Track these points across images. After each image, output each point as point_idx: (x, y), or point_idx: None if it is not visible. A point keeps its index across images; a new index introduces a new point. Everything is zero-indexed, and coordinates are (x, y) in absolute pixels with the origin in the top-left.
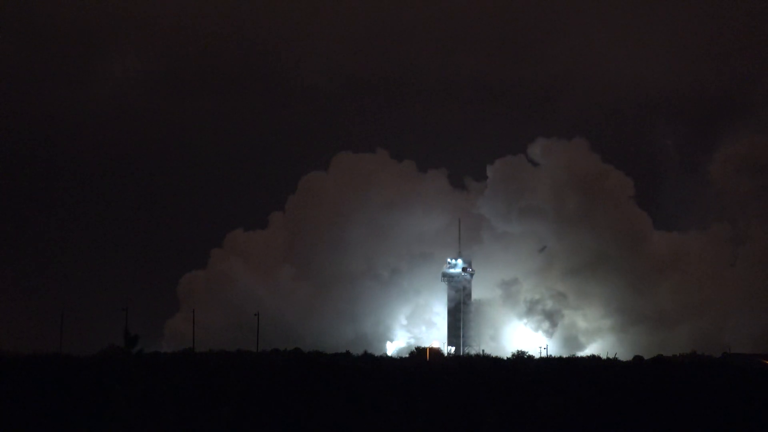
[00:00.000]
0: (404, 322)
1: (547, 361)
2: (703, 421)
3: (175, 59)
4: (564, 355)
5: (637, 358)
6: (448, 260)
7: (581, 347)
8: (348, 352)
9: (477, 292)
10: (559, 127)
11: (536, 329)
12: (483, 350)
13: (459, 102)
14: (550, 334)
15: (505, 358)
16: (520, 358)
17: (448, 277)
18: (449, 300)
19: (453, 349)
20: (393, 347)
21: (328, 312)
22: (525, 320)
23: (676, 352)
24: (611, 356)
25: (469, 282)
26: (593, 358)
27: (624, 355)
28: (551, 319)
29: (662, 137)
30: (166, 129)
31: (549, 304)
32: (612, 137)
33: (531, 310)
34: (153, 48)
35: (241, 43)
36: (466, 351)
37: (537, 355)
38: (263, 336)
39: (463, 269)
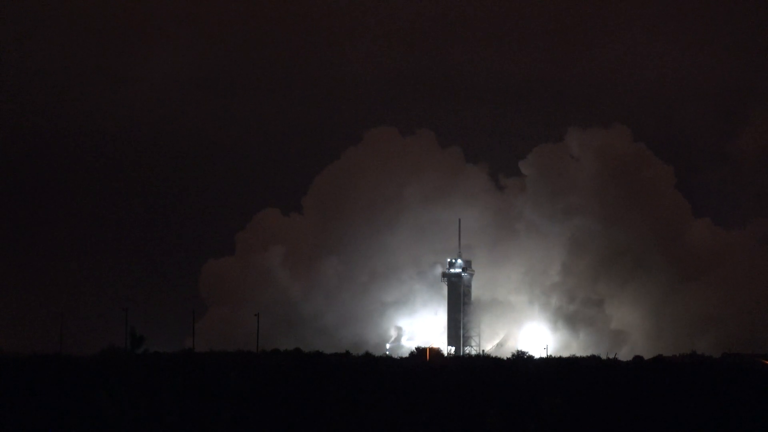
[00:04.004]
0: (441, 330)
1: (547, 361)
2: (702, 420)
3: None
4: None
5: (637, 358)
6: (448, 260)
7: (619, 346)
8: (348, 352)
9: (500, 293)
10: (598, 121)
11: (573, 324)
12: (483, 350)
13: (494, 98)
14: (597, 328)
15: (505, 359)
16: (520, 358)
17: (449, 277)
18: (449, 299)
19: (453, 349)
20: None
21: (370, 311)
22: (557, 316)
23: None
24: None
25: (470, 282)
26: (593, 358)
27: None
28: (598, 306)
29: (702, 127)
30: (174, 119)
31: (592, 296)
32: (652, 128)
33: (569, 304)
34: (187, 43)
35: (284, 33)
36: (467, 351)
37: (537, 355)
38: (303, 336)
39: (463, 269)
